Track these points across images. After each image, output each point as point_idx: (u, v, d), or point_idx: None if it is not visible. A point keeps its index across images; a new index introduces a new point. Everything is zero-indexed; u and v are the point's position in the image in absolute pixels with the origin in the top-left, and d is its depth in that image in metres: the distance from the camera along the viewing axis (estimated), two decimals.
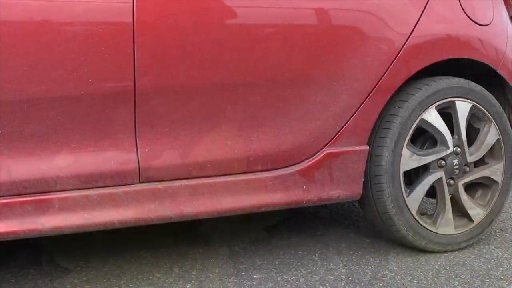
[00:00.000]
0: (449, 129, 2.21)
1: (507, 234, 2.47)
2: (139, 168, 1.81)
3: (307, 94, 1.99)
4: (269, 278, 2.02)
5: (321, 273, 2.06)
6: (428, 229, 2.20)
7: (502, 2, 2.45)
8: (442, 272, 2.10)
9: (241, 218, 2.51)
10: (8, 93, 1.65)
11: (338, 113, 2.05)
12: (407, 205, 2.15)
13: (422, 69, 2.17)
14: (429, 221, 2.22)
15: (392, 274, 2.07)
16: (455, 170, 2.21)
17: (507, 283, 2.02)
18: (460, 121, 2.22)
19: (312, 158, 2.04)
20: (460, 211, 2.27)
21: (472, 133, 2.28)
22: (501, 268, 2.13)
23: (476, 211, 2.28)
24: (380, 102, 2.10)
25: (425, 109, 2.16)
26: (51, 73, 1.68)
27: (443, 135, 2.18)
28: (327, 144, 2.05)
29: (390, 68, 2.09)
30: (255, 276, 2.03)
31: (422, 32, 2.15)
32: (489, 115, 2.27)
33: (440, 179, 2.19)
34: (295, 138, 2.00)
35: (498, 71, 2.32)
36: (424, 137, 2.25)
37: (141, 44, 1.75)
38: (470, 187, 2.31)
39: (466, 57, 2.24)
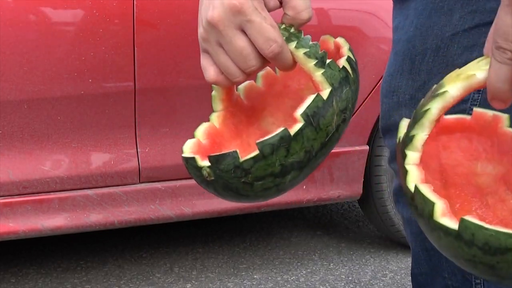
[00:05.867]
0: None
1: None
2: (139, 168, 1.81)
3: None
4: (269, 278, 2.01)
5: (321, 273, 2.06)
6: None
7: None
8: None
9: (241, 218, 2.51)
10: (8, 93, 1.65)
11: None
12: None
13: None
14: None
15: (392, 274, 2.07)
16: None
17: None
18: None
19: None
20: None
21: None
22: None
23: None
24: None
25: None
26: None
27: None
28: None
29: None
30: (255, 276, 2.03)
31: None
32: None
33: None
34: None
35: None
36: None
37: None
38: None
39: None
